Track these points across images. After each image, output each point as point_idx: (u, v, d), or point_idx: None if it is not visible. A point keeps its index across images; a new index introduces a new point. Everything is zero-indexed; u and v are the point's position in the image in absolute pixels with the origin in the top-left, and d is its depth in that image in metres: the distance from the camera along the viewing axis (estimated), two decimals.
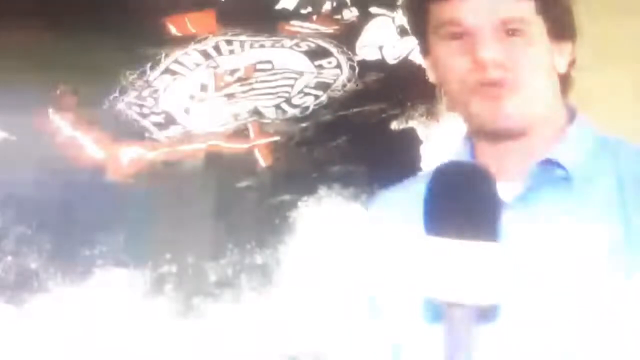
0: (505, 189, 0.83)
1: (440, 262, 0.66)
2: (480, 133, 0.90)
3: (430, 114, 1.99)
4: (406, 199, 0.95)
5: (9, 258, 1.53)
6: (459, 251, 0.65)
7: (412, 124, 1.97)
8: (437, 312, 0.69)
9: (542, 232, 0.86)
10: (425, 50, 0.93)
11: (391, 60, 2.06)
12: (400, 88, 2.01)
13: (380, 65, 2.05)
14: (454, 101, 0.90)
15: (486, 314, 0.76)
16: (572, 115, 0.93)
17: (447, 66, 0.87)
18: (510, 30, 0.85)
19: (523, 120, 0.86)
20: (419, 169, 1.91)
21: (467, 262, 0.65)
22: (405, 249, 0.89)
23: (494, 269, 0.66)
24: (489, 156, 0.91)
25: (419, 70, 1.98)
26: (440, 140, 1.96)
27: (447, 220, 0.67)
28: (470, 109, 0.87)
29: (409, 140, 1.95)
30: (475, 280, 0.65)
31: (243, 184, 1.79)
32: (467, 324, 0.66)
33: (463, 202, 0.67)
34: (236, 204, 1.78)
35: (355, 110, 1.95)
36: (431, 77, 0.94)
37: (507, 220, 0.84)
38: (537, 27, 0.87)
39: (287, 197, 1.80)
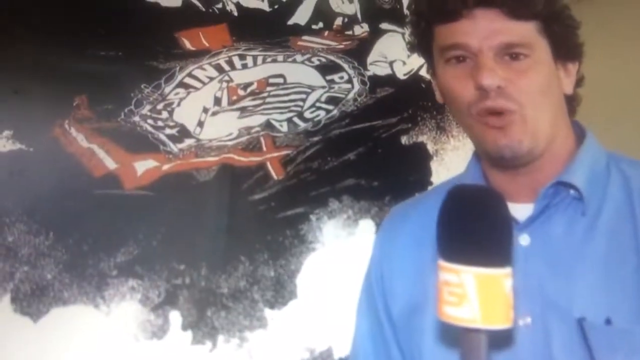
0: (517, 210, 0.85)
1: (452, 288, 0.67)
2: (487, 157, 0.92)
3: (440, 128, 2.00)
4: (418, 217, 1.00)
5: (25, 269, 1.53)
6: (470, 277, 0.66)
7: (422, 138, 1.99)
8: (453, 336, 0.70)
9: (554, 252, 0.87)
10: (433, 72, 0.95)
11: (401, 75, 2.09)
12: (410, 103, 2.04)
13: (390, 80, 2.09)
14: (460, 123, 0.92)
15: (501, 338, 0.79)
16: (581, 134, 0.94)
17: (452, 90, 0.88)
18: (513, 54, 0.85)
19: (527, 147, 0.86)
20: (429, 183, 1.93)
21: (478, 289, 0.66)
22: (418, 267, 0.94)
23: (506, 294, 0.67)
24: (499, 178, 0.92)
25: (429, 85, 2.02)
26: (449, 154, 1.98)
27: (458, 246, 0.68)
28: (475, 133, 0.88)
29: (419, 154, 1.98)
30: (487, 305, 0.66)
31: (255, 196, 1.81)
32: (482, 349, 0.66)
33: (474, 229, 0.69)
34: (248, 216, 1.79)
35: (366, 124, 1.97)
36: (438, 97, 0.95)
37: (520, 241, 0.87)
38: (541, 49, 0.86)
39: (298, 209, 1.81)
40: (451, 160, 1.97)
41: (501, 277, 0.66)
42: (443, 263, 0.67)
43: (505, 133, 0.84)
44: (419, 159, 1.98)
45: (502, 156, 0.85)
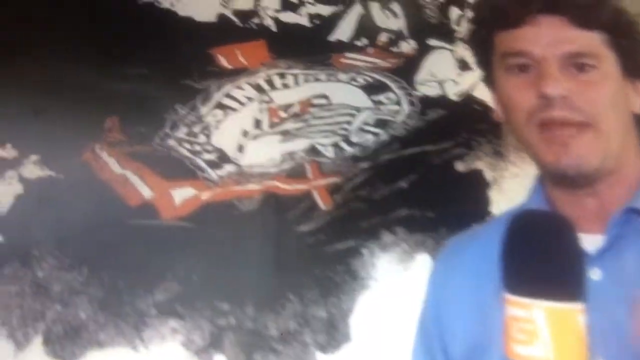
0: (585, 241, 0.79)
1: (521, 324, 0.64)
2: (549, 175, 0.89)
3: (497, 154, 1.96)
4: (477, 249, 0.96)
5: (58, 307, 1.49)
6: (541, 312, 0.63)
7: (478, 165, 1.95)
8: None
9: (628, 288, 0.83)
10: (491, 83, 0.93)
11: (453, 96, 2.06)
12: (464, 126, 2.01)
13: (441, 101, 2.06)
14: (519, 139, 0.90)
15: None
16: None
17: (512, 100, 0.86)
18: (579, 65, 0.83)
19: (594, 165, 0.83)
20: (488, 214, 1.89)
21: (550, 325, 0.63)
22: (479, 304, 0.90)
23: (581, 331, 0.64)
24: (565, 202, 0.89)
25: (483, 107, 1.99)
26: (509, 182, 1.93)
27: (526, 277, 0.66)
28: (536, 148, 0.86)
29: (476, 182, 1.95)
30: (561, 343, 0.63)
31: (302, 228, 1.79)
32: None
33: (543, 258, 0.66)
34: (296, 250, 1.76)
35: (417, 149, 1.93)
36: (497, 114, 0.93)
37: (591, 275, 0.82)
38: (609, 62, 0.84)
39: (349, 243, 1.78)
40: (511, 188, 1.93)
41: (575, 313, 0.63)
42: (510, 297, 0.65)
43: (569, 148, 0.82)
44: (476, 187, 1.95)
45: (564, 174, 0.83)
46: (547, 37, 0.82)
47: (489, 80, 0.93)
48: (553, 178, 0.88)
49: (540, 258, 0.65)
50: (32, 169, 1.65)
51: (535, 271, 0.65)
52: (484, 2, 0.92)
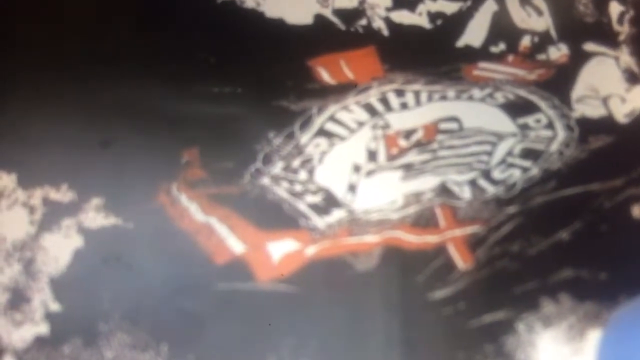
0: None
1: None
2: None
3: None
4: None
5: None
6: None
7: None
8: None
9: None
10: None
11: (621, 117, 1.98)
12: (639, 157, 1.89)
13: (607, 124, 1.99)
14: None
15: None
16: None
17: None
18: None
19: None
20: None
21: None
22: None
23: None
24: None
25: None
26: None
27: None
28: None
29: None
30: None
31: (436, 294, 1.71)
32: None
33: None
34: (429, 323, 1.67)
35: (579, 189, 1.85)
36: None
37: None
38: None
39: (498, 314, 1.70)
40: None
41: None
42: None
43: None
44: None
45: None
46: None
47: None
48: None
49: None
50: (94, 217, 1.62)
51: None
52: None
